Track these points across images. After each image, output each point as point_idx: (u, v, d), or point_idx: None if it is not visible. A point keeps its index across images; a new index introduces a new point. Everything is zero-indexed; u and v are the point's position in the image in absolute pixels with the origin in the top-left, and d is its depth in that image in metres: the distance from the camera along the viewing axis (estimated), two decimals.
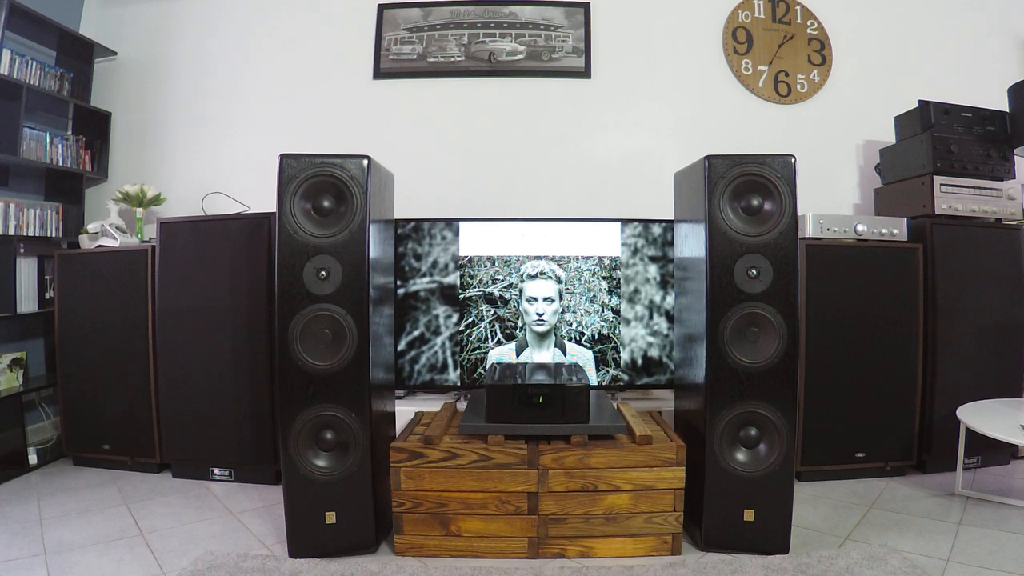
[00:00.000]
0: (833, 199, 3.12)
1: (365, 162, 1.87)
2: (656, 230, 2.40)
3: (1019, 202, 2.65)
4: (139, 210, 2.91)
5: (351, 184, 1.86)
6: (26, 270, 2.79)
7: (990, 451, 2.56)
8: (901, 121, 2.85)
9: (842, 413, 2.47)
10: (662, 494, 1.89)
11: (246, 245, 2.51)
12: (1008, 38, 3.18)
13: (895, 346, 2.49)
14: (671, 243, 2.37)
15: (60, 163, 2.93)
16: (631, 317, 2.39)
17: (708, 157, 1.88)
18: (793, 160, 1.86)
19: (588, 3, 3.14)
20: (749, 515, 1.88)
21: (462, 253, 2.39)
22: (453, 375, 2.40)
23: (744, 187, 1.87)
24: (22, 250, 2.76)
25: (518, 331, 2.39)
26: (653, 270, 2.39)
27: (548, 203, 3.00)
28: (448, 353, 2.40)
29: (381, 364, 2.03)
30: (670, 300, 2.38)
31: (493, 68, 3.13)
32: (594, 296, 2.39)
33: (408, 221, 2.39)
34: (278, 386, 1.88)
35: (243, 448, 2.52)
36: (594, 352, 2.40)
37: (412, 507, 1.90)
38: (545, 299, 2.38)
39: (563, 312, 2.39)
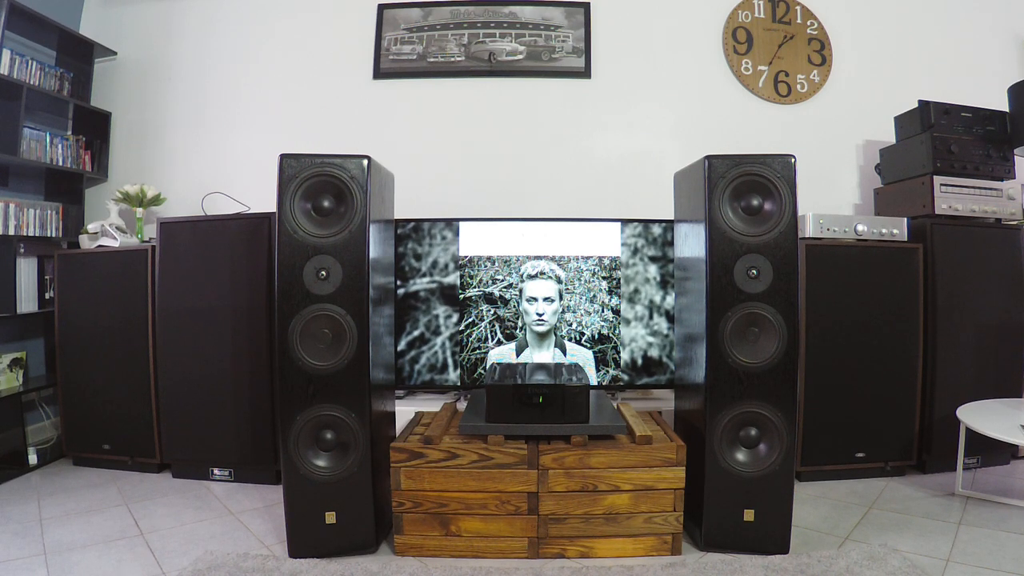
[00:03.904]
0: (833, 199, 3.12)
1: (365, 162, 1.87)
2: (656, 230, 2.40)
3: (1019, 202, 2.65)
4: (139, 210, 2.91)
5: (351, 184, 1.86)
6: (26, 270, 2.79)
7: (990, 451, 2.56)
8: (901, 121, 2.85)
9: (842, 413, 2.47)
10: (662, 494, 1.89)
11: (246, 245, 2.51)
12: (1008, 38, 3.18)
13: (895, 346, 2.49)
14: (671, 243, 2.37)
15: (60, 163, 2.93)
16: (631, 317, 2.39)
17: (708, 157, 1.88)
18: (793, 160, 1.86)
19: (588, 3, 3.14)
20: (749, 515, 1.88)
21: (462, 253, 2.39)
22: (453, 375, 2.40)
23: (744, 187, 1.87)
24: (22, 250, 2.76)
25: (518, 331, 2.39)
26: (653, 270, 2.39)
27: (548, 203, 3.00)
28: (448, 353, 2.40)
29: (381, 364, 2.03)
30: (670, 300, 2.38)
31: (493, 68, 3.13)
32: (594, 296, 2.39)
33: (408, 221, 2.39)
34: (278, 386, 1.88)
35: (243, 448, 2.52)
36: (594, 352, 2.40)
37: (412, 507, 1.90)
38: (545, 299, 2.38)
39: (563, 312, 2.39)
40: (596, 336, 2.39)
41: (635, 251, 2.39)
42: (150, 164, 3.21)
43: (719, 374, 1.88)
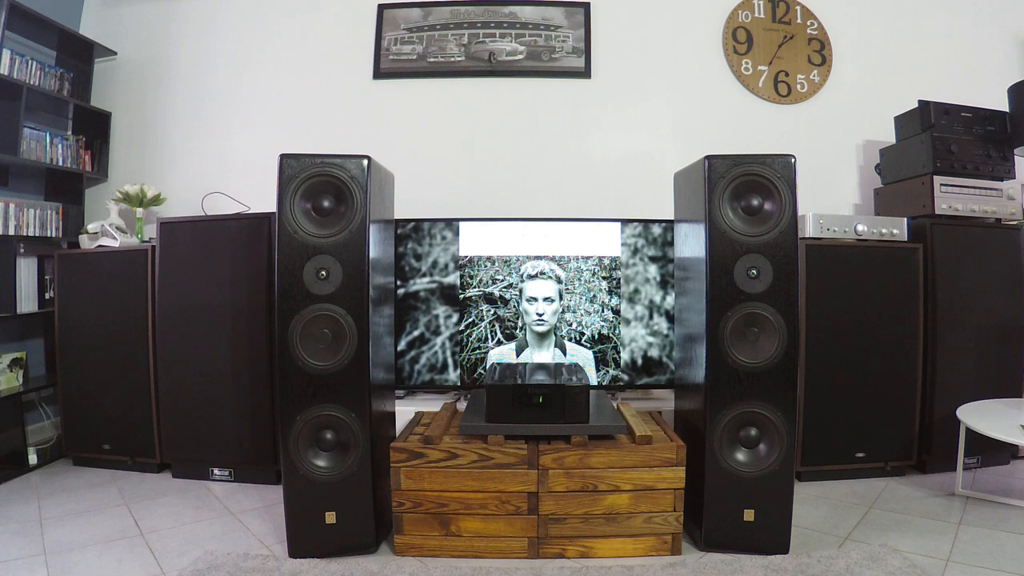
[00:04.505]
0: (833, 199, 3.12)
1: (365, 162, 1.87)
2: (656, 230, 2.40)
3: (1019, 202, 2.65)
4: (139, 210, 2.92)
5: (351, 184, 1.86)
6: (26, 270, 2.79)
7: (990, 451, 2.56)
8: (901, 121, 2.85)
9: (842, 413, 2.47)
10: (662, 494, 1.89)
11: (246, 245, 2.51)
12: (1008, 38, 3.18)
13: (895, 346, 2.49)
14: (671, 243, 2.37)
15: (60, 163, 2.93)
16: (631, 317, 2.39)
17: (708, 157, 1.88)
18: (793, 160, 1.86)
19: (588, 3, 3.14)
20: (749, 515, 1.88)
21: (462, 253, 2.39)
22: (453, 375, 2.40)
23: (744, 187, 1.87)
24: (22, 250, 2.76)
25: (518, 331, 2.39)
26: (653, 270, 2.39)
27: (548, 203, 3.00)
28: (448, 353, 2.40)
29: (381, 364, 2.03)
30: (670, 300, 2.38)
31: (493, 68, 3.13)
32: (594, 296, 2.39)
33: (408, 221, 2.39)
34: (278, 386, 1.88)
35: (243, 448, 2.52)
36: (594, 352, 2.40)
37: (412, 507, 1.90)
38: (545, 299, 2.38)
39: (563, 312, 2.39)
40: (596, 336, 2.39)
41: (635, 251, 2.39)
42: (150, 164, 3.21)
43: (719, 374, 1.88)
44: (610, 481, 1.89)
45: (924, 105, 2.67)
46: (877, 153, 3.01)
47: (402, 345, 2.38)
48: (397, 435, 2.10)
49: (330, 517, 1.88)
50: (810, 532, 2.05)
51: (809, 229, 2.49)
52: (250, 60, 3.20)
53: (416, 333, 2.39)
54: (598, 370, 2.40)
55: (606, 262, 2.39)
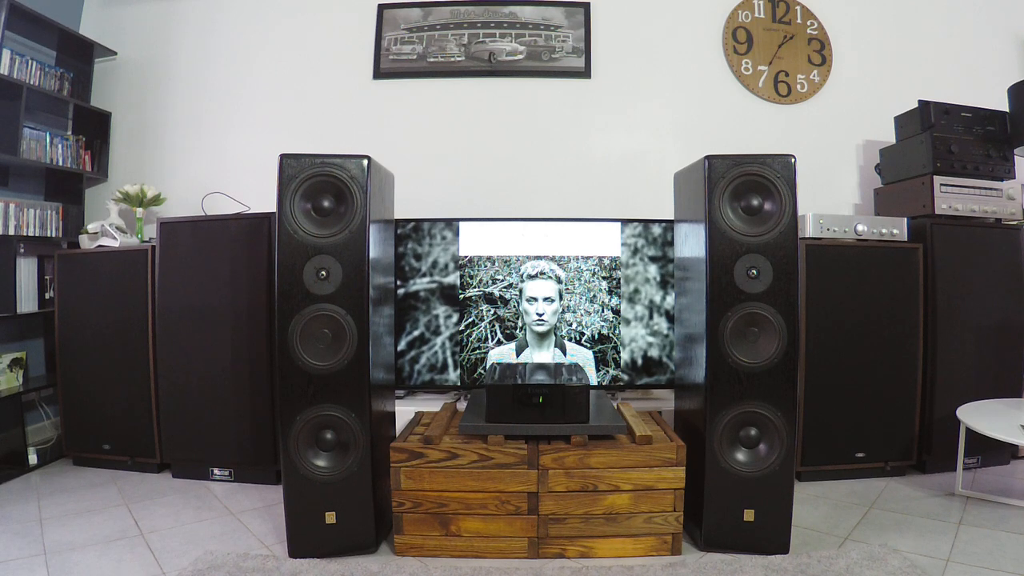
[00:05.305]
0: (833, 199, 3.12)
1: (365, 162, 1.87)
2: (656, 230, 2.40)
3: (1019, 202, 2.65)
4: (139, 210, 2.91)
5: (351, 184, 1.86)
6: (26, 270, 2.79)
7: (990, 451, 2.56)
8: (901, 121, 2.85)
9: (842, 413, 2.47)
10: (662, 494, 1.89)
11: (246, 245, 2.51)
12: (1008, 38, 3.18)
13: (895, 346, 2.49)
14: (671, 243, 2.37)
15: (60, 163, 2.93)
16: (631, 317, 2.39)
17: (708, 157, 1.88)
18: (793, 160, 1.86)
19: (588, 3, 3.14)
20: (749, 515, 1.88)
21: (462, 253, 2.39)
22: (453, 375, 2.40)
23: (744, 187, 1.87)
24: (22, 250, 2.76)
25: (518, 331, 2.39)
26: (653, 270, 2.39)
27: (548, 203, 3.00)
28: (448, 353, 2.40)
29: (381, 364, 2.03)
30: (670, 300, 2.38)
31: (493, 68, 3.13)
32: (594, 296, 2.39)
33: (408, 221, 2.39)
34: (278, 386, 1.88)
35: (243, 448, 2.52)
36: (594, 352, 2.40)
37: (412, 507, 1.90)
38: (545, 299, 2.38)
39: (563, 312, 2.39)
40: (596, 336, 2.39)
41: (635, 251, 2.39)
42: (150, 164, 3.21)
43: (719, 374, 1.88)
44: (610, 481, 1.89)
45: (924, 105, 2.67)
46: (877, 153, 3.01)
47: (402, 345, 2.38)
48: (397, 435, 2.10)
49: (330, 517, 1.88)
50: (810, 532, 2.05)
51: (809, 229, 2.50)
52: (250, 60, 3.20)
53: (416, 333, 2.39)
54: (598, 370, 2.40)
55: (606, 262, 2.39)
